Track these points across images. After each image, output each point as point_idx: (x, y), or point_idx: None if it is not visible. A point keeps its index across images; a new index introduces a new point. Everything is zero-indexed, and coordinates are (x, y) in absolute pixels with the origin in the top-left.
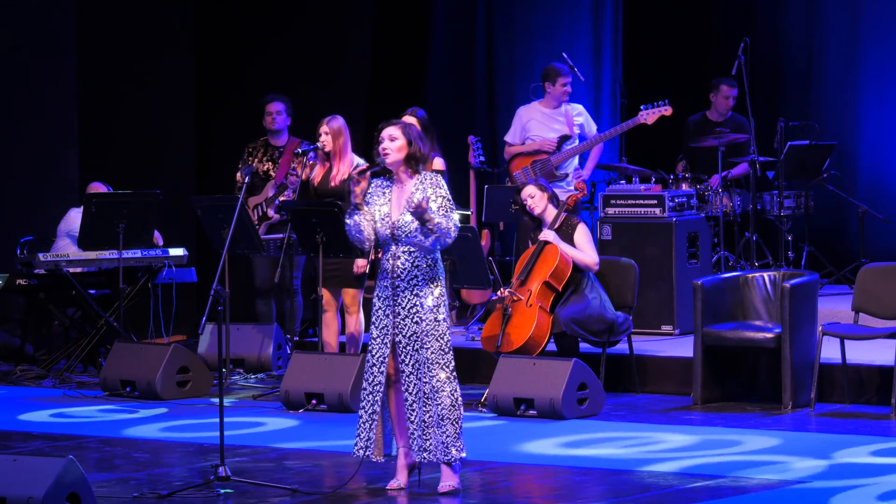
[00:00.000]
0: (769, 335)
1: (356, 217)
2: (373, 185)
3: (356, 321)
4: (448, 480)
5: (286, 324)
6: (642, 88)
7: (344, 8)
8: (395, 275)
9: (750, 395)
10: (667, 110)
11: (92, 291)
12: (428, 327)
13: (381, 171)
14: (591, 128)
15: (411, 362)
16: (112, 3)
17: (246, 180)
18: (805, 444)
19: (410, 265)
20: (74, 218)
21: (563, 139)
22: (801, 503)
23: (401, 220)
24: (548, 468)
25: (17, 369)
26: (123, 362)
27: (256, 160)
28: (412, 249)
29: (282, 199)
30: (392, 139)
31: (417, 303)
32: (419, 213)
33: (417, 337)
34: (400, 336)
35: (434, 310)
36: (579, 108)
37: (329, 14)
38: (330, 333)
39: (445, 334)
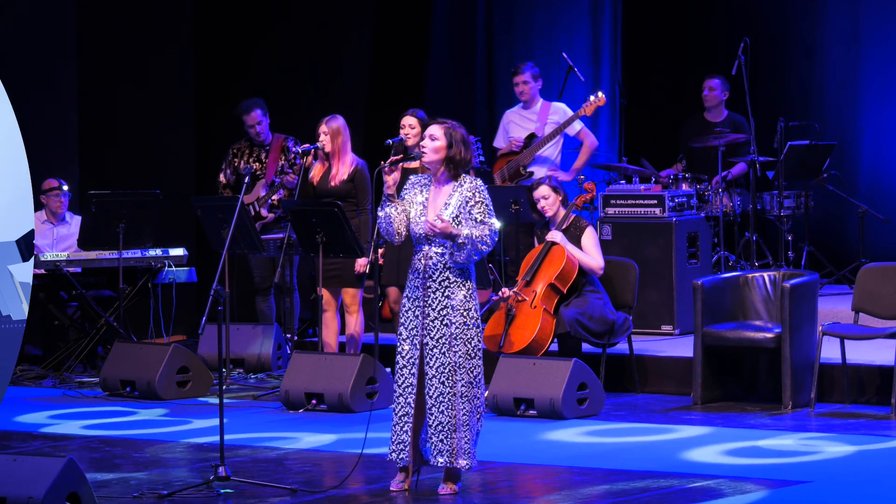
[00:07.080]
0: (769, 335)
1: (387, 209)
2: (411, 181)
3: (356, 321)
4: (451, 483)
5: (286, 323)
6: (642, 88)
7: (344, 8)
8: (426, 275)
9: (750, 395)
10: (600, 100)
11: (92, 292)
12: (457, 330)
13: (420, 167)
14: (573, 127)
15: (436, 365)
16: (112, 2)
17: (246, 180)
18: (805, 444)
19: (442, 265)
20: None
21: (530, 138)
22: (804, 503)
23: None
24: (548, 468)
25: (17, 369)
26: (123, 362)
27: (243, 161)
28: (444, 249)
29: (275, 197)
30: (433, 138)
31: (448, 304)
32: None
33: (446, 340)
34: (428, 338)
35: (463, 313)
36: (558, 105)
37: (329, 14)
38: (329, 333)
39: (474, 338)
